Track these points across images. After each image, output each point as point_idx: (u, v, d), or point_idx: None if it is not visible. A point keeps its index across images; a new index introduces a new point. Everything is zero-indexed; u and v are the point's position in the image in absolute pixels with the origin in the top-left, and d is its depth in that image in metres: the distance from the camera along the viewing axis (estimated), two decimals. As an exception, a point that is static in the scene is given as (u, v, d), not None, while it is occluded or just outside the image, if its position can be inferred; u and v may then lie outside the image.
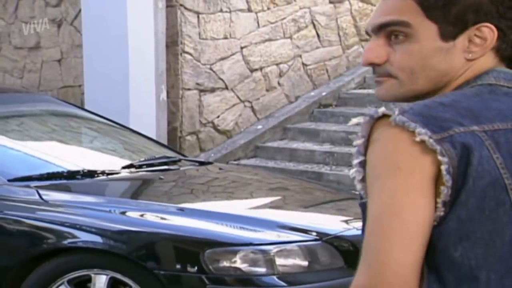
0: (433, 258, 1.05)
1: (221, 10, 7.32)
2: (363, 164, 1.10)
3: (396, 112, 1.07)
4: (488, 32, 1.15)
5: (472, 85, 1.15)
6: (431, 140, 1.04)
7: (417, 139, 1.05)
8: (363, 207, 1.12)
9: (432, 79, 1.17)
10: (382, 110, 1.08)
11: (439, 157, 1.04)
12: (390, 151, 1.06)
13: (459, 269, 1.05)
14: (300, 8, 7.87)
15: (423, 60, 1.16)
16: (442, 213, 1.05)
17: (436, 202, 1.05)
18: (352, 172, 1.12)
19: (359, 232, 3.69)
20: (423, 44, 1.16)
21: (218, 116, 7.44)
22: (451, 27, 1.15)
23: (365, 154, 1.09)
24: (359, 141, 1.10)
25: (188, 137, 7.26)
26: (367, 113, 1.10)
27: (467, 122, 1.07)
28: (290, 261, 3.22)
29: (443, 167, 1.04)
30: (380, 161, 1.06)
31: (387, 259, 1.02)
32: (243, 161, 7.20)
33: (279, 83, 7.81)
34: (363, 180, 1.10)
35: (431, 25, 1.16)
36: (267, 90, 7.73)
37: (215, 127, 7.42)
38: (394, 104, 1.19)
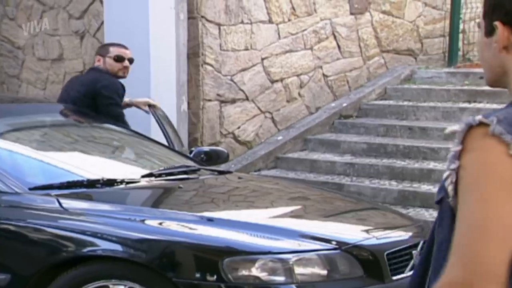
0: None
1: (242, 22, 7.35)
2: (457, 170, 1.19)
3: (494, 121, 1.15)
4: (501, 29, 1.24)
5: None
6: None
7: (500, 141, 1.14)
8: (446, 206, 1.22)
9: (489, 71, 1.29)
10: (479, 118, 1.16)
11: None
12: (489, 161, 1.14)
13: None
14: (321, 20, 7.88)
15: (480, 53, 1.30)
16: None
17: None
18: (445, 175, 1.21)
19: (379, 241, 3.67)
20: (479, 39, 1.30)
21: (239, 127, 7.45)
22: (488, 24, 1.26)
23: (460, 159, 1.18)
24: (456, 148, 1.18)
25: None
26: (464, 121, 1.18)
27: None
28: (309, 270, 3.20)
29: None
30: (480, 170, 1.15)
31: (484, 259, 1.11)
32: (263, 172, 7.20)
33: (299, 94, 7.81)
34: (454, 183, 1.20)
35: (484, 21, 1.28)
36: (287, 101, 7.73)
37: (235, 138, 7.43)
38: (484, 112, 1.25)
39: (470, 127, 1.16)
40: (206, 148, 5.14)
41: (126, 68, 5.01)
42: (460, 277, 1.12)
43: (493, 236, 1.12)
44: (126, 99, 5.15)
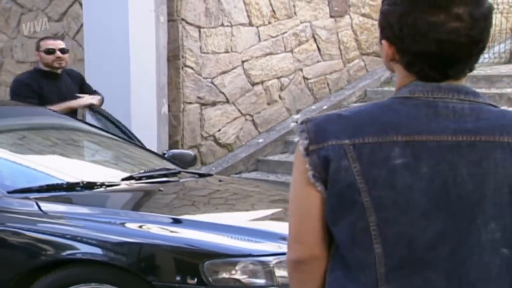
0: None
1: (222, 25, 7.35)
2: None
3: (300, 121, 1.43)
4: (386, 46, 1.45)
5: (392, 97, 1.44)
6: (303, 153, 1.40)
7: (299, 148, 1.42)
8: None
9: (386, 66, 1.49)
10: (298, 118, 1.53)
11: (306, 166, 1.40)
12: (296, 156, 1.44)
13: (337, 243, 1.42)
14: (301, 22, 7.90)
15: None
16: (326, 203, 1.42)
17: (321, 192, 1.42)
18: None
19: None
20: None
21: (219, 130, 7.44)
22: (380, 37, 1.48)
23: None
24: (298, 139, 1.46)
25: (189, 151, 7.25)
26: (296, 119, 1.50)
27: (343, 135, 1.38)
28: (289, 273, 3.20)
29: (309, 173, 1.40)
30: (294, 162, 1.45)
31: (291, 228, 1.45)
32: (244, 175, 7.19)
33: (280, 97, 7.82)
34: None
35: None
36: (268, 104, 7.74)
37: (216, 141, 7.42)
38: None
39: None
40: (174, 151, 5.16)
41: (59, 58, 5.26)
42: (288, 240, 1.48)
43: (296, 211, 1.44)
44: (69, 103, 5.30)
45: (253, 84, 7.63)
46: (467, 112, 1.39)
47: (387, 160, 1.36)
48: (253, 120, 7.68)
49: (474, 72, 8.59)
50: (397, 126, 1.37)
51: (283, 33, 7.77)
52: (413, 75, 1.41)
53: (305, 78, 8.01)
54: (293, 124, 1.47)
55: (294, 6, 7.82)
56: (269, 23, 7.67)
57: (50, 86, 5.25)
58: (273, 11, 7.71)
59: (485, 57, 9.02)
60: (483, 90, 7.07)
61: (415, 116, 1.37)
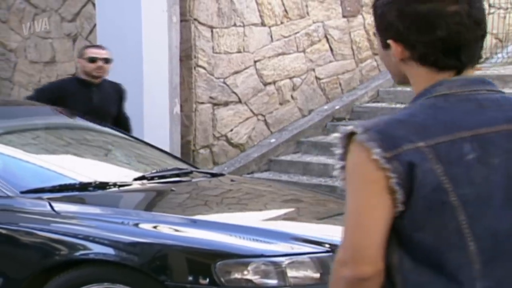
0: (401, 240, 1.40)
1: (234, 25, 7.35)
2: (344, 168, 1.42)
3: (360, 131, 1.39)
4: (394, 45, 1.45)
5: (428, 97, 1.42)
6: (383, 160, 1.36)
7: (372, 157, 1.36)
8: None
9: (394, 75, 1.51)
10: (350, 128, 1.40)
11: (389, 173, 1.36)
12: (357, 163, 1.39)
13: (418, 249, 1.39)
14: (314, 22, 7.88)
15: (382, 61, 1.53)
16: (401, 209, 1.38)
17: (396, 200, 1.38)
18: (335, 173, 1.44)
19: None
20: (379, 49, 1.51)
21: (232, 130, 7.44)
22: (383, 40, 1.47)
23: (345, 160, 1.42)
24: (339, 151, 1.42)
25: (202, 151, 7.26)
26: (342, 130, 1.42)
27: (415, 138, 1.37)
28: (301, 273, 3.20)
29: (392, 181, 1.36)
30: (352, 170, 1.39)
31: (353, 243, 1.38)
32: (256, 175, 7.19)
33: (292, 97, 7.81)
34: (344, 179, 1.43)
35: (378, 37, 1.50)
36: (280, 104, 7.73)
37: (228, 141, 7.43)
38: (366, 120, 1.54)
39: (349, 134, 1.41)
40: None
41: (100, 68, 5.09)
42: (341, 257, 1.41)
43: (360, 224, 1.37)
44: None
45: (265, 84, 7.62)
46: (502, 102, 1.44)
47: (462, 157, 1.38)
48: (265, 120, 7.68)
49: (487, 72, 8.58)
50: (457, 123, 1.39)
51: (296, 33, 7.76)
52: (429, 68, 1.43)
53: (317, 78, 7.99)
54: (336, 135, 1.38)
55: (306, 6, 7.81)
56: (282, 23, 7.66)
57: (81, 95, 5.03)
58: (286, 11, 7.70)
59: (498, 56, 8.97)
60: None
61: (466, 111, 1.41)
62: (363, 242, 1.37)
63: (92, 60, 5.10)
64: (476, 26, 1.42)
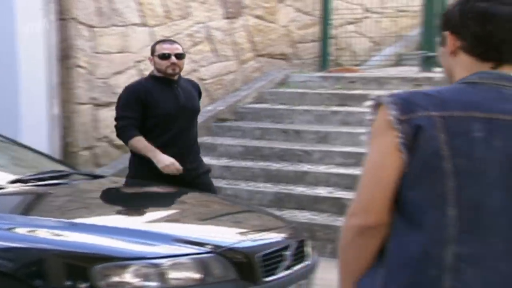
0: (397, 200, 1.58)
1: (115, 24, 7.23)
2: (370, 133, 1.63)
3: (386, 96, 1.59)
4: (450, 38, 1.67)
5: (461, 82, 1.63)
6: (395, 121, 1.56)
7: (388, 118, 1.56)
8: None
9: (447, 74, 1.71)
10: (380, 94, 1.57)
11: (398, 133, 1.55)
12: (378, 123, 1.59)
13: (408, 208, 1.56)
14: (196, 23, 7.89)
15: (442, 62, 1.74)
16: (406, 169, 1.56)
17: (403, 160, 1.55)
18: (364, 137, 1.67)
19: (253, 243, 3.70)
20: (441, 51, 1.73)
21: (114, 131, 7.31)
22: (442, 35, 1.69)
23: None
24: (369, 117, 1.62)
25: (83, 152, 7.10)
26: (374, 97, 1.65)
27: (432, 108, 1.56)
28: (182, 274, 3.19)
29: (399, 141, 1.55)
30: (374, 130, 1.60)
31: (364, 195, 1.58)
32: (140, 176, 7.10)
33: (175, 98, 7.77)
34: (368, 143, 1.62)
35: (441, 35, 1.71)
36: (163, 105, 7.67)
37: (111, 142, 7.30)
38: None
39: (378, 102, 1.61)
40: None
41: (174, 64, 4.54)
42: (352, 209, 1.61)
43: (372, 178, 1.58)
44: (151, 152, 4.54)
45: (148, 85, 7.54)
46: None
47: (468, 133, 1.54)
48: (148, 121, 7.59)
49: (365, 74, 8.85)
50: (476, 104, 1.57)
51: (178, 33, 7.73)
52: (474, 59, 1.64)
53: (201, 79, 8.00)
54: (369, 102, 1.61)
55: (188, 6, 7.80)
56: (164, 23, 7.62)
57: (166, 93, 4.53)
58: (167, 11, 7.66)
59: (375, 59, 9.31)
60: (374, 92, 7.28)
61: (487, 97, 1.58)
62: (372, 195, 1.57)
63: (165, 56, 4.55)
64: None
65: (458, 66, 1.67)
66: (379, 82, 7.80)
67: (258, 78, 8.36)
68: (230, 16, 8.16)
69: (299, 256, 3.68)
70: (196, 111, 4.67)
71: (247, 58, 8.35)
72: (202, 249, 3.30)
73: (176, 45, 4.65)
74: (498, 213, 1.54)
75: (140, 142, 4.48)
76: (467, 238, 1.53)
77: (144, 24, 7.47)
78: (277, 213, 5.36)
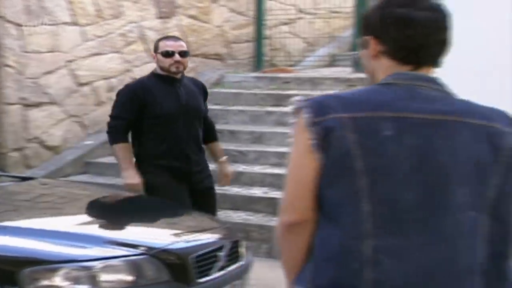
0: (318, 198, 1.65)
1: (44, 23, 7.09)
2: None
3: (302, 99, 1.67)
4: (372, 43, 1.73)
5: (378, 83, 1.71)
6: (308, 124, 1.63)
7: (302, 121, 1.64)
8: None
9: (369, 77, 1.77)
10: (298, 98, 1.71)
11: (310, 135, 1.62)
12: (295, 126, 1.67)
13: (326, 205, 1.64)
14: (129, 23, 7.80)
15: (364, 64, 1.80)
16: (322, 169, 1.63)
17: (318, 160, 1.63)
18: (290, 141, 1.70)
19: (186, 245, 3.68)
20: (363, 54, 1.79)
21: (45, 132, 7.18)
22: (364, 39, 1.76)
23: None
24: (292, 120, 1.68)
25: (12, 154, 6.94)
26: (294, 101, 1.69)
27: (343, 110, 1.63)
28: (114, 277, 3.14)
29: (312, 142, 1.62)
30: (293, 133, 1.68)
31: (286, 195, 1.67)
32: (72, 178, 7.00)
33: (108, 98, 7.67)
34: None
35: (362, 39, 1.78)
36: (96, 105, 7.57)
37: (41, 143, 7.15)
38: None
39: (297, 106, 1.68)
40: None
41: (178, 62, 4.32)
42: (281, 206, 1.69)
43: (292, 179, 1.66)
44: (124, 164, 4.39)
45: (80, 85, 7.43)
46: (437, 97, 1.67)
47: (378, 132, 1.61)
48: (81, 122, 7.49)
49: (299, 75, 8.90)
50: (386, 105, 1.64)
51: (110, 33, 7.64)
52: (394, 62, 1.70)
53: (134, 79, 7.90)
54: (291, 105, 1.67)
55: (120, 6, 7.71)
56: (95, 22, 7.51)
57: (168, 92, 4.32)
58: (99, 10, 7.55)
59: (309, 60, 9.39)
60: (308, 92, 7.34)
61: (399, 97, 1.65)
62: (295, 193, 1.65)
63: (168, 54, 4.33)
64: (438, 31, 1.69)
65: (380, 69, 1.72)
66: (313, 82, 7.87)
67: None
68: (163, 16, 8.11)
69: (233, 256, 3.67)
70: (200, 111, 4.45)
71: (181, 58, 8.30)
72: (134, 251, 3.27)
73: (181, 42, 4.45)
74: (412, 207, 1.59)
75: (121, 152, 4.35)
76: (383, 232, 1.59)
77: (75, 23, 7.35)
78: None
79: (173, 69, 4.33)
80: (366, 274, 1.58)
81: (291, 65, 9.01)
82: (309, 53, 9.51)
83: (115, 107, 4.41)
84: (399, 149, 1.61)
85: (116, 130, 4.35)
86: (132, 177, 4.30)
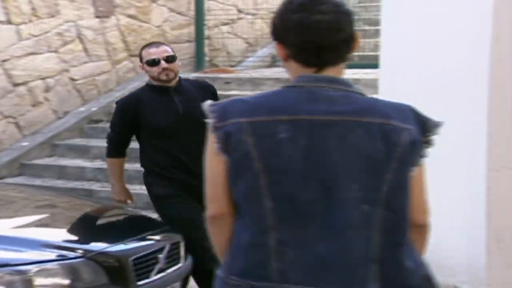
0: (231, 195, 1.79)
1: (-22, 21, 6.92)
2: None
3: (211, 104, 1.79)
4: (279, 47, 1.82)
5: (283, 86, 1.79)
6: (212, 128, 1.76)
7: (208, 125, 1.76)
8: None
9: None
10: (208, 102, 1.81)
11: (214, 139, 1.76)
12: (209, 127, 1.77)
13: (237, 200, 1.77)
14: (65, 22, 7.68)
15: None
16: (228, 169, 1.76)
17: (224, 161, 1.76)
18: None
19: (125, 247, 3.64)
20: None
21: (-21, 133, 7.00)
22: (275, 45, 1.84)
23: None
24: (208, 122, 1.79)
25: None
26: (205, 106, 1.81)
27: (242, 115, 1.73)
28: (50, 281, 3.09)
29: (216, 146, 1.75)
30: (208, 133, 1.78)
31: (208, 193, 1.80)
32: (8, 180, 6.87)
33: (45, 98, 7.54)
34: None
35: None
36: (32, 105, 7.43)
37: (-23, 147, 6.98)
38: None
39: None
40: None
41: (165, 70, 4.03)
42: (207, 202, 1.82)
43: (207, 178, 1.79)
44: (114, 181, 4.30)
45: (15, 85, 7.28)
46: (339, 98, 1.75)
47: (275, 135, 1.72)
48: (16, 123, 7.33)
49: (240, 75, 8.91)
50: (283, 108, 1.74)
51: (46, 32, 7.50)
52: (299, 64, 1.78)
53: (72, 79, 7.79)
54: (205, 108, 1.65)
55: (56, 4, 7.57)
56: (30, 21, 7.36)
57: (161, 103, 4.03)
58: (34, 9, 7.40)
59: (250, 60, 9.42)
60: (249, 92, 7.35)
61: (297, 100, 1.74)
62: (212, 189, 1.79)
63: (154, 62, 4.04)
64: (335, 33, 1.76)
65: (290, 72, 1.82)
66: (254, 83, 7.88)
67: (132, 78, 8.25)
68: (101, 15, 8.00)
69: (173, 258, 3.65)
70: (201, 118, 4.01)
71: (121, 58, 8.22)
72: (71, 254, 3.22)
73: (164, 47, 4.15)
74: (310, 203, 1.71)
75: (110, 166, 4.32)
76: (285, 226, 1.71)
77: (9, 22, 7.19)
78: (152, 216, 5.30)
79: (163, 77, 4.05)
80: (272, 264, 1.71)
81: (232, 66, 9.02)
82: (250, 54, 9.53)
83: (112, 117, 4.28)
84: (295, 150, 1.71)
85: (110, 143, 4.27)
86: (117, 194, 4.26)
